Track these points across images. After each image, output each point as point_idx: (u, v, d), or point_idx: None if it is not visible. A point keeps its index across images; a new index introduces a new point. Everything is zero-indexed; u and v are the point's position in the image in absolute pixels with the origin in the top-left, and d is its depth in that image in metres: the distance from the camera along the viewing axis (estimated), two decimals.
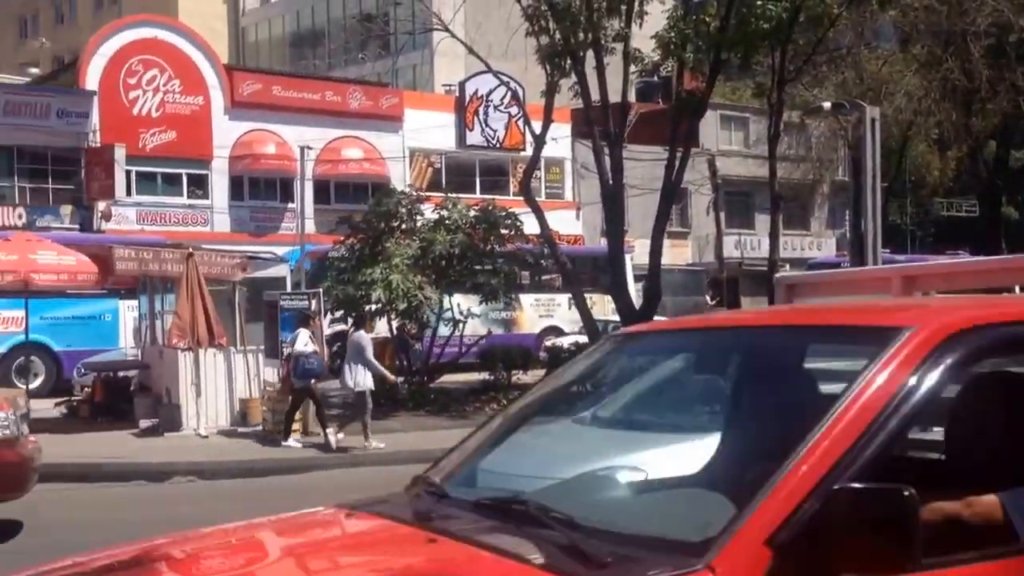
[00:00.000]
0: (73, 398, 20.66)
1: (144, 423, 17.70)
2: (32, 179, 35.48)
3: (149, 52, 37.20)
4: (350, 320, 20.14)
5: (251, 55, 57.77)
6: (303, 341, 16.24)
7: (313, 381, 16.31)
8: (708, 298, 39.61)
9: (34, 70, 55.46)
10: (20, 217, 33.80)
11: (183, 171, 37.94)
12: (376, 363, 16.35)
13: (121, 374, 19.95)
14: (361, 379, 15.94)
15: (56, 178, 35.65)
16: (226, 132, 38.26)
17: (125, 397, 18.90)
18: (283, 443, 16.06)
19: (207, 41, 40.12)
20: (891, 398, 2.76)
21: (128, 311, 24.07)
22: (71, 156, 35.70)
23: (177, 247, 19.22)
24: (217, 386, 17.81)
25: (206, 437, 17.01)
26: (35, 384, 22.50)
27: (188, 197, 38.03)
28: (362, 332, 16.52)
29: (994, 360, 3.21)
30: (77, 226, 34.69)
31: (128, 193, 35.94)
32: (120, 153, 34.88)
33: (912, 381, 2.81)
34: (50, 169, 35.57)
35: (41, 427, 17.73)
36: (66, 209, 35.30)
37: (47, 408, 19.78)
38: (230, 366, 17.98)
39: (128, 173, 35.73)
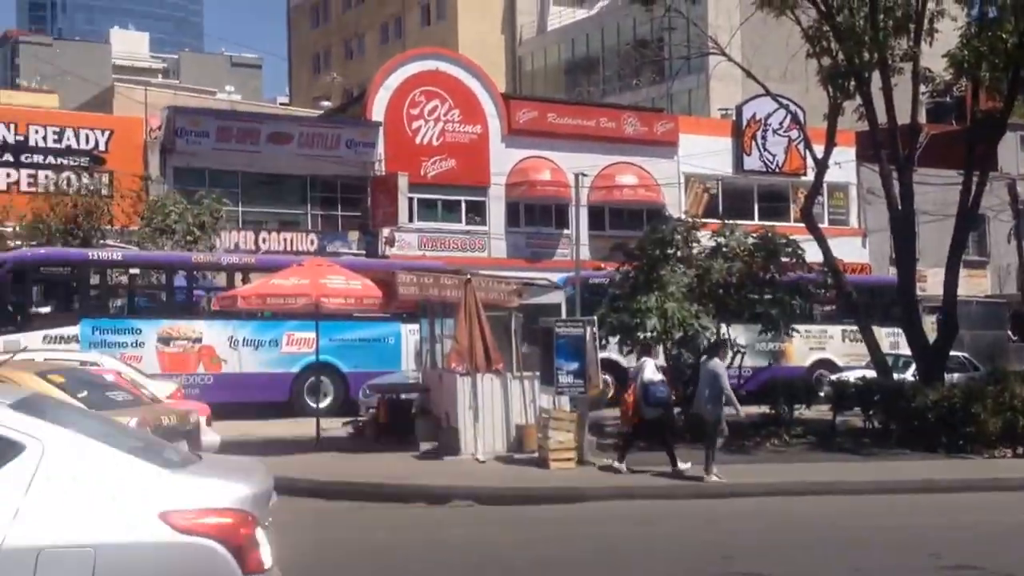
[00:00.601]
0: (359, 418, 21.36)
1: (424, 446, 18.03)
2: (323, 207, 37.34)
3: (431, 84, 38.43)
4: (618, 345, 19.97)
5: (527, 84, 58.82)
6: (651, 369, 16.30)
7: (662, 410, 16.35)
8: (1010, 333, 37.11)
9: (326, 103, 58.46)
10: (312, 243, 35.58)
11: (462, 198, 38.93)
12: (731, 393, 15.98)
13: (403, 396, 20.45)
14: (714, 408, 15.72)
15: (345, 206, 37.35)
16: (503, 159, 39.02)
17: (407, 419, 19.34)
18: (615, 466, 16.07)
19: (485, 71, 41.10)
20: None
21: (410, 334, 24.76)
22: (358, 184, 37.31)
23: (456, 273, 19.54)
24: (494, 411, 17.93)
25: (483, 462, 17.13)
26: (325, 403, 23.51)
27: (467, 223, 38.96)
28: (716, 360, 16.16)
29: None
30: (363, 251, 36.18)
31: (410, 220, 37.19)
32: (403, 181, 36.14)
33: None
34: (339, 197, 37.33)
35: (329, 446, 18.52)
36: (353, 235, 36.90)
37: (335, 428, 20.53)
38: (506, 392, 18.06)
39: (410, 200, 36.97)
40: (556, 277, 29.21)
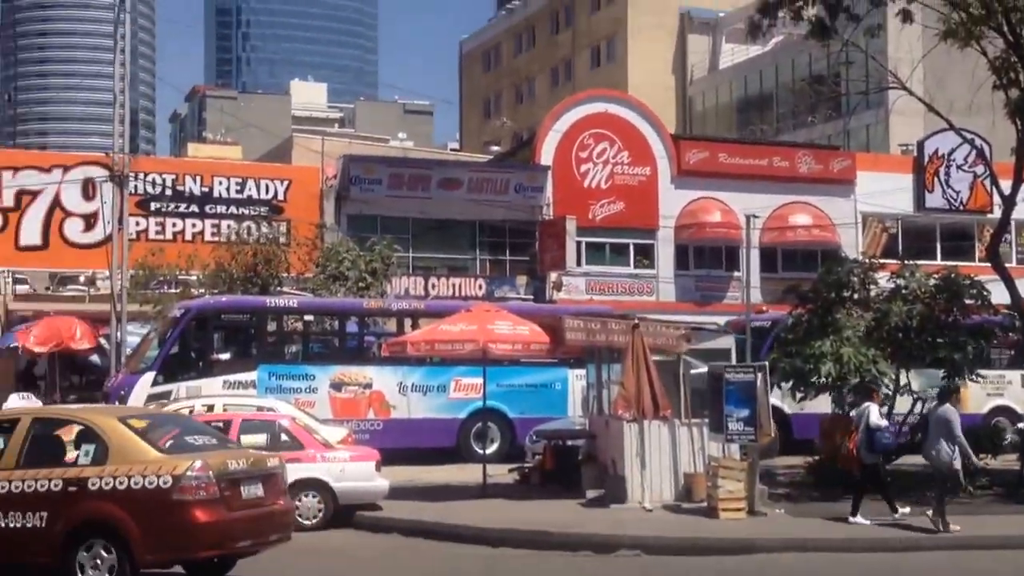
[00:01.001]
0: (525, 464, 21.24)
1: (590, 493, 17.78)
2: (491, 251, 37.61)
3: (600, 126, 38.39)
4: (793, 393, 19.35)
5: (698, 124, 58.29)
6: (876, 415, 15.98)
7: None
8: None
9: (496, 148, 59.16)
10: (480, 288, 35.82)
11: (630, 241, 38.64)
12: (964, 440, 15.45)
13: (570, 443, 20.25)
14: (948, 456, 15.22)
15: (513, 250, 37.53)
16: (672, 201, 38.60)
17: (573, 466, 19.12)
18: (850, 520, 15.69)
19: (655, 112, 40.84)
20: None
21: (576, 380, 24.53)
22: (527, 229, 37.45)
23: (623, 318, 19.32)
24: (661, 459, 17.57)
25: (650, 511, 16.78)
26: (491, 449, 23.45)
27: (635, 267, 38.63)
28: (948, 406, 15.66)
29: None
30: (531, 296, 36.22)
31: (578, 263, 37.08)
32: (571, 225, 36.09)
33: None
34: (507, 242, 37.53)
35: (495, 492, 18.43)
36: (521, 279, 37.01)
37: (501, 474, 20.45)
38: (674, 439, 17.69)
39: (578, 244, 36.87)
40: (722, 320, 28.63)
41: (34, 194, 34.40)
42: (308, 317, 26.76)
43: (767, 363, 18.63)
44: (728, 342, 23.98)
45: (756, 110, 55.41)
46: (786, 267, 38.77)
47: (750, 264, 34.56)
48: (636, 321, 18.30)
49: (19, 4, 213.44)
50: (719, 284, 39.00)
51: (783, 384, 19.94)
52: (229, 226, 33.50)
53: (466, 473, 21.39)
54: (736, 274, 38.07)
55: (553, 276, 36.88)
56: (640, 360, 17.40)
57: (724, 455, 16.92)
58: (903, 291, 19.94)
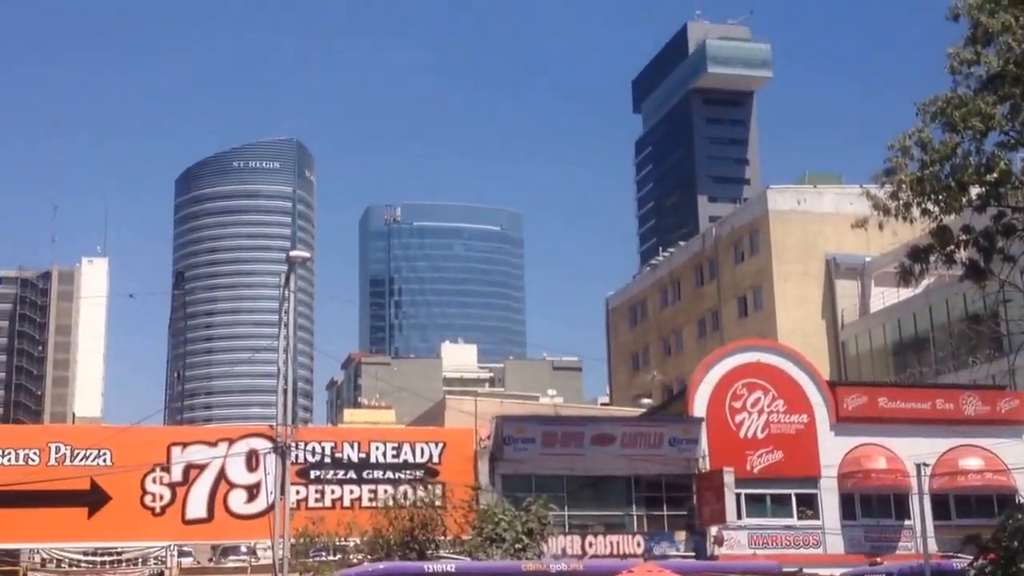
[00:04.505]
0: None
1: None
2: (648, 507, 36.88)
3: (752, 375, 38.09)
4: None
5: (852, 368, 57.33)
6: None
7: None
8: None
9: (646, 400, 59.06)
10: (638, 545, 35.00)
11: (791, 491, 37.56)
12: None
13: None
14: None
15: (670, 505, 36.77)
16: (833, 449, 37.64)
17: None
18: None
19: (808, 359, 40.41)
20: None
21: None
22: (683, 482, 36.78)
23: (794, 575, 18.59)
24: None
25: None
26: None
27: (798, 517, 37.37)
28: None
29: None
30: (692, 552, 35.18)
31: (738, 516, 36.02)
32: (729, 477, 35.32)
33: None
34: (664, 496, 36.84)
35: None
36: (680, 535, 36.09)
37: None
38: None
39: (738, 496, 35.92)
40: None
41: (201, 468, 35.42)
42: None
43: None
44: None
45: (913, 352, 54.31)
46: (960, 513, 37.10)
47: (924, 513, 33.03)
48: None
49: (191, 286, 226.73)
50: (890, 534, 37.28)
51: None
52: (386, 491, 33.81)
53: None
54: (907, 523, 36.52)
55: (714, 531, 35.88)
56: None
57: None
58: None
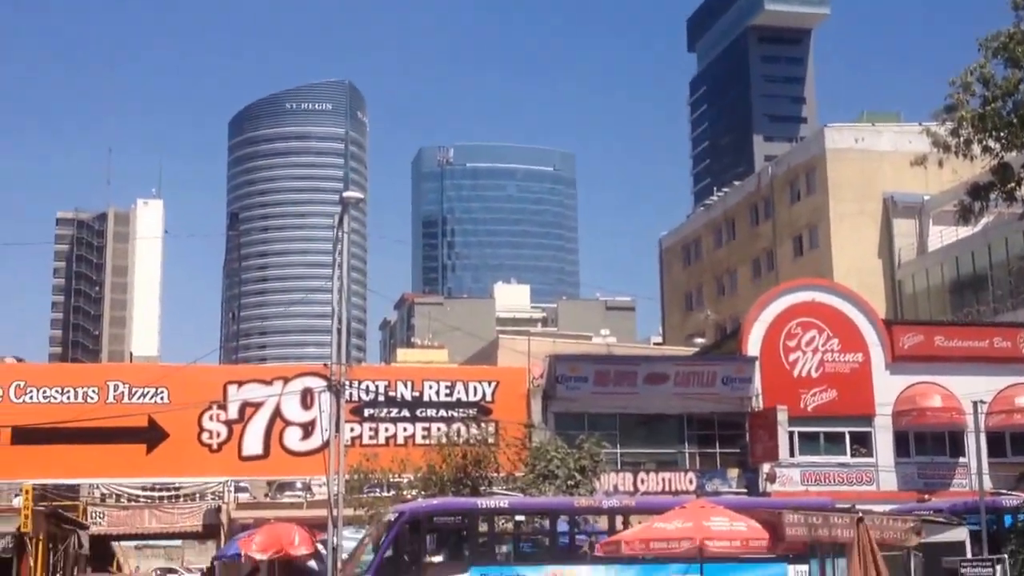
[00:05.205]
0: None
1: None
2: (700, 444, 36.98)
3: (807, 314, 37.84)
4: None
5: (909, 307, 56.66)
6: None
7: None
8: None
9: (700, 340, 58.84)
10: (690, 482, 35.15)
11: (845, 429, 37.48)
12: None
13: None
14: None
15: (722, 442, 36.84)
16: (888, 387, 37.42)
17: None
18: None
19: (864, 298, 40.03)
20: None
21: None
22: (736, 420, 36.81)
23: (846, 512, 18.52)
24: None
25: None
26: None
27: (851, 455, 37.29)
28: None
29: None
30: (744, 489, 35.27)
31: (791, 454, 36.10)
32: (782, 415, 35.30)
33: None
34: (716, 434, 36.88)
35: None
36: (732, 472, 36.17)
37: None
38: None
39: (791, 434, 35.98)
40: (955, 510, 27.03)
41: (257, 406, 35.89)
42: (519, 517, 26.64)
43: (1005, 556, 17.42)
44: (962, 534, 22.59)
45: (970, 291, 53.52)
46: (1015, 451, 37.03)
47: (980, 450, 32.77)
48: (861, 515, 17.49)
49: (245, 228, 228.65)
50: (944, 471, 37.21)
51: None
52: (439, 429, 34.08)
53: None
54: (962, 460, 36.33)
55: (766, 468, 35.91)
56: (867, 555, 16.57)
57: None
58: None
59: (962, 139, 29.17)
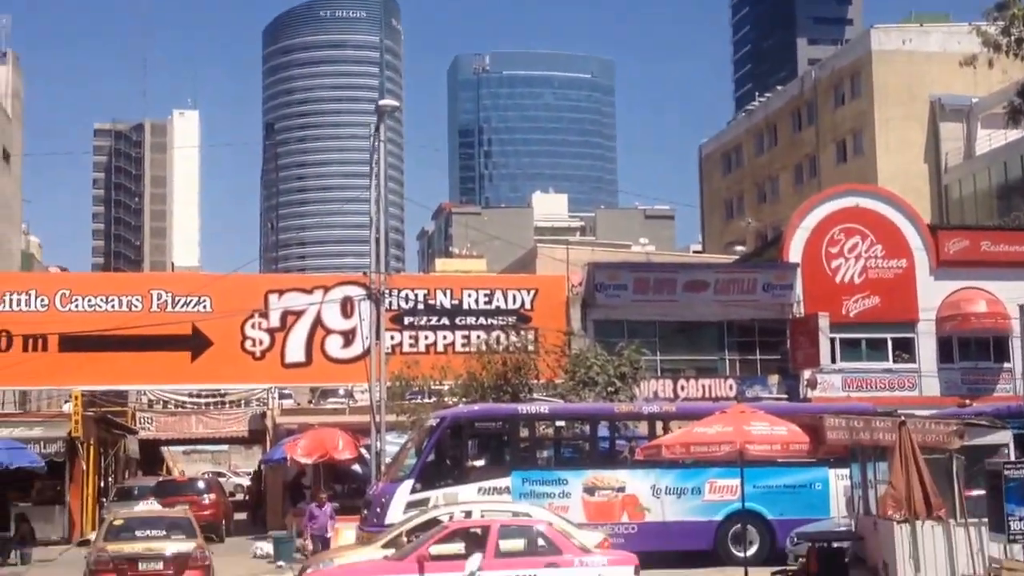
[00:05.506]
0: (788, 568, 20.44)
1: None
2: (740, 351, 36.97)
3: (850, 220, 37.46)
4: None
5: (955, 212, 55.94)
6: None
7: None
8: None
9: (740, 248, 58.50)
10: (731, 388, 35.22)
11: (887, 335, 37.28)
12: None
13: (835, 544, 19.35)
14: None
15: (763, 349, 36.80)
16: (932, 293, 37.12)
17: (840, 569, 18.22)
18: None
19: (909, 203, 39.53)
20: None
21: (838, 480, 23.54)
22: (776, 327, 36.71)
23: (888, 415, 18.46)
24: (936, 561, 16.55)
25: None
26: (751, 552, 22.65)
27: (893, 361, 37.15)
28: None
29: None
30: (784, 395, 35.31)
31: (832, 360, 36.03)
32: (824, 322, 35.16)
33: None
34: (757, 341, 36.82)
35: None
36: (773, 379, 36.19)
37: None
38: (950, 540, 16.66)
39: (832, 341, 35.86)
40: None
41: (298, 314, 36.18)
42: (559, 423, 26.85)
43: None
44: (1006, 437, 22.47)
45: (1018, 195, 52.70)
46: None
47: None
48: (903, 418, 17.44)
49: (281, 138, 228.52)
50: (988, 376, 37.02)
51: None
52: (479, 336, 34.22)
53: None
54: (1006, 365, 36.16)
55: (807, 374, 35.88)
56: (909, 458, 16.56)
57: (1006, 557, 15.78)
58: None
59: (1013, 38, 28.53)
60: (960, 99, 56.43)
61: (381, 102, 33.06)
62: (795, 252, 37.26)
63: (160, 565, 17.94)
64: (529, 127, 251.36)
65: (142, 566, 17.85)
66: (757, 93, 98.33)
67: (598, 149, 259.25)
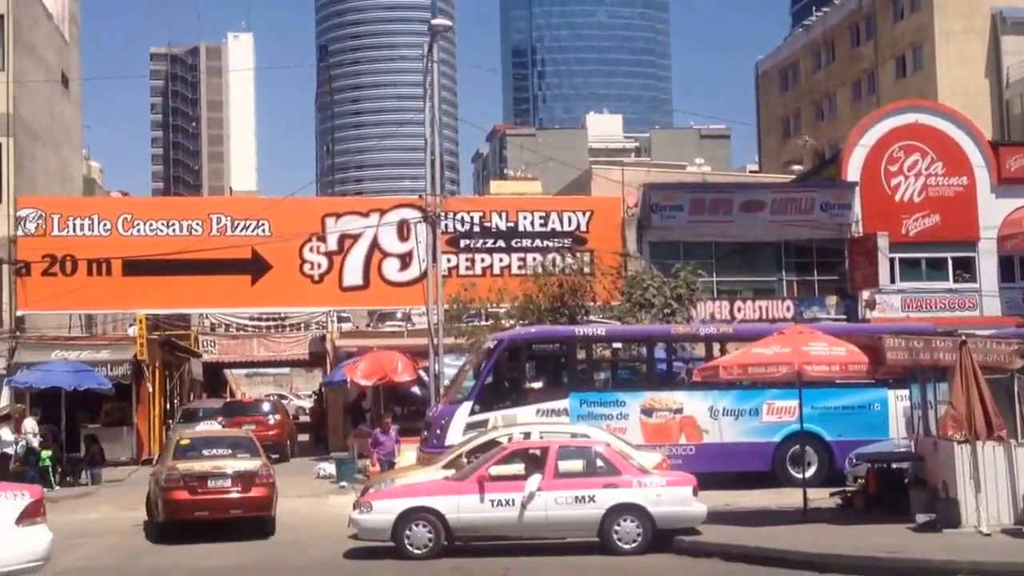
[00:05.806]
0: (847, 489, 20.53)
1: (920, 517, 16.95)
2: (798, 272, 36.80)
3: (910, 137, 36.89)
4: None
5: (1017, 128, 54.79)
6: None
7: None
8: None
9: (797, 167, 57.79)
10: (788, 309, 35.07)
11: (948, 255, 36.90)
12: None
13: (895, 466, 19.40)
14: None
15: (821, 270, 36.58)
16: (993, 211, 36.62)
17: (899, 490, 18.29)
18: None
19: (970, 119, 38.79)
20: None
21: (897, 401, 23.46)
22: (834, 247, 36.46)
23: (949, 335, 18.35)
24: (997, 481, 16.54)
25: (988, 535, 15.83)
26: (810, 473, 22.73)
27: (954, 281, 36.77)
28: None
29: None
30: (843, 316, 35.13)
31: (892, 280, 35.74)
32: (883, 241, 34.84)
33: None
34: (815, 261, 36.60)
35: (817, 517, 17.89)
36: (831, 299, 35.97)
37: (822, 498, 19.84)
38: (1011, 460, 16.63)
39: (891, 260, 35.54)
40: None
41: (355, 238, 36.47)
42: (616, 344, 26.97)
43: None
44: None
45: None
46: None
47: None
48: (963, 337, 17.33)
49: (335, 60, 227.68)
50: None
51: None
52: (535, 259, 34.32)
53: (783, 497, 20.95)
54: None
55: (865, 295, 35.64)
56: (970, 378, 16.48)
57: None
58: None
59: None
60: (1022, 12, 54.99)
61: (433, 21, 32.89)
62: (853, 171, 36.82)
63: (228, 482, 18.44)
64: (582, 46, 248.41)
65: (211, 483, 18.35)
66: (815, 7, 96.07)
67: (652, 68, 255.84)
